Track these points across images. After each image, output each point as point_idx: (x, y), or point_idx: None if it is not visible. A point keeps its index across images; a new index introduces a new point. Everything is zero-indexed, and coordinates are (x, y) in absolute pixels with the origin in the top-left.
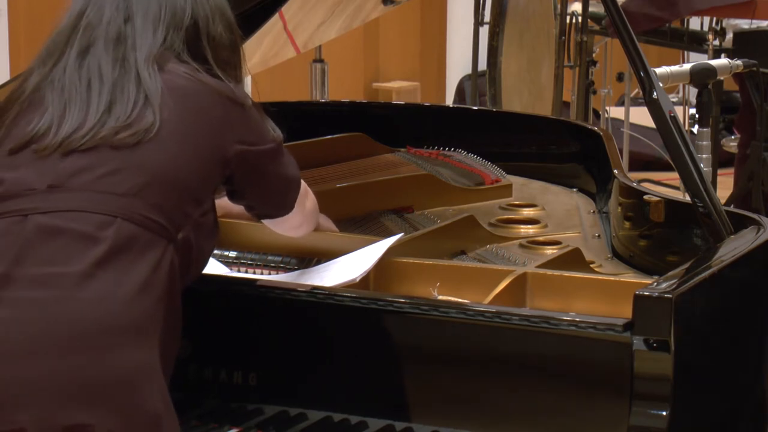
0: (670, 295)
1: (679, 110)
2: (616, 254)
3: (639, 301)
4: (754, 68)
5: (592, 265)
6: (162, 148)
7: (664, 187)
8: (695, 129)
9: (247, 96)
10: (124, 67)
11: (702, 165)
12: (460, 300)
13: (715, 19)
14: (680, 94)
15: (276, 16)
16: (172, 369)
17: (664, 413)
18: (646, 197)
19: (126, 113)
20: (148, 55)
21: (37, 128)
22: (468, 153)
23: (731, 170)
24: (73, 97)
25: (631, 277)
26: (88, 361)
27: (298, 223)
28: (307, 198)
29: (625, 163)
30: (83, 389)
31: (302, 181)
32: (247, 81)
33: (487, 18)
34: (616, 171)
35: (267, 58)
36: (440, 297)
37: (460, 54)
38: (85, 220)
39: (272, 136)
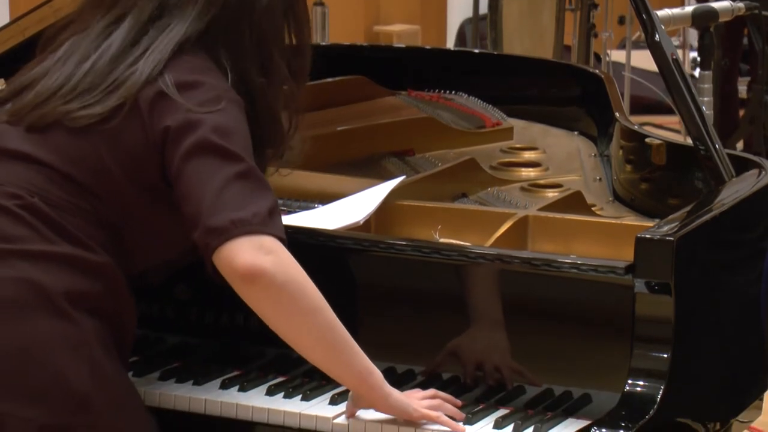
0: (672, 238)
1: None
2: (617, 197)
3: (640, 243)
4: (756, 11)
5: (593, 208)
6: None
7: (665, 130)
8: (697, 72)
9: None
10: (130, 55)
11: (704, 108)
12: (461, 243)
13: None
14: (681, 38)
15: None
16: (130, 346)
17: (666, 356)
18: (647, 140)
19: (89, 100)
20: (171, 43)
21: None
22: (469, 96)
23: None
24: (66, 66)
25: (632, 220)
26: None
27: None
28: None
29: (626, 106)
30: None
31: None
32: None
33: None
34: (617, 114)
35: None
36: (441, 240)
37: None
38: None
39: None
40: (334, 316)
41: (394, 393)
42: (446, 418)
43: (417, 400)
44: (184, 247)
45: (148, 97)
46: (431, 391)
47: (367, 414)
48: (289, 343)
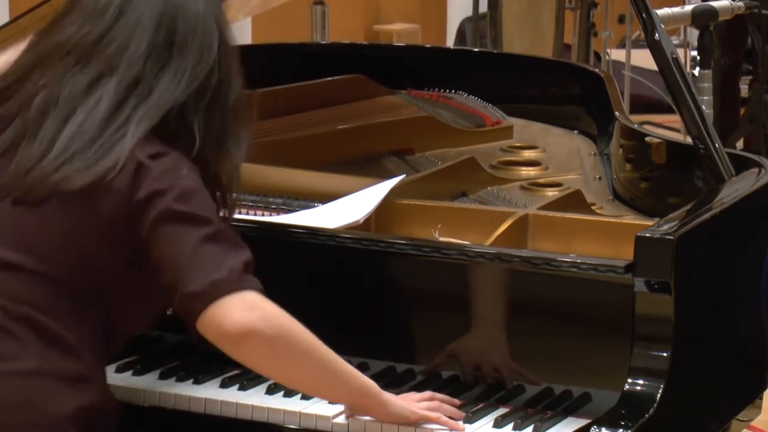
0: (672, 237)
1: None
2: (617, 196)
3: (640, 242)
4: (756, 9)
5: (593, 207)
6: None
7: (665, 129)
8: (696, 71)
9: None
10: (117, 118)
11: (703, 107)
12: (461, 242)
13: None
14: (681, 37)
15: None
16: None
17: (666, 354)
18: (647, 139)
19: (85, 162)
20: (151, 110)
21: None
22: (469, 95)
23: None
24: (46, 125)
25: (632, 219)
26: None
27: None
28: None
29: (626, 105)
30: None
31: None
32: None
33: None
34: (617, 113)
35: None
36: (441, 239)
37: None
38: None
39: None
40: (326, 348)
41: (392, 400)
42: (445, 418)
43: (414, 402)
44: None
45: (130, 168)
46: (428, 393)
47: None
48: (289, 387)
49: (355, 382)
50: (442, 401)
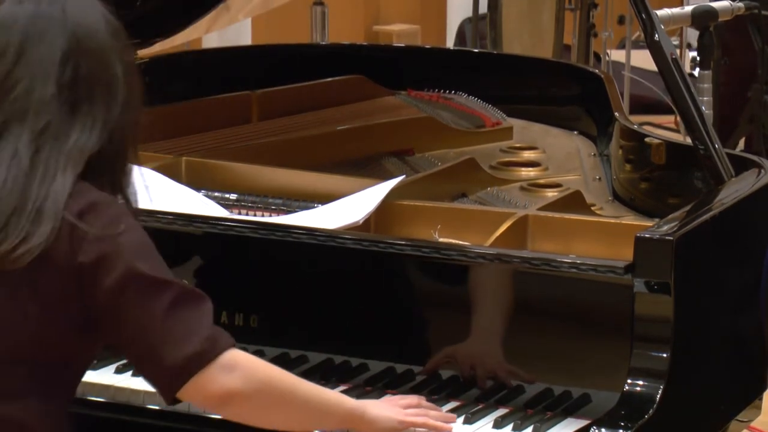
0: (671, 238)
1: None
2: (616, 197)
3: (640, 243)
4: (756, 10)
5: (592, 208)
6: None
7: (664, 130)
8: (696, 72)
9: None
10: (38, 170)
11: (703, 107)
12: (461, 242)
13: None
14: (681, 37)
15: None
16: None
17: (665, 355)
18: (647, 140)
19: (22, 231)
20: (72, 156)
21: None
22: (469, 95)
23: None
24: None
25: (631, 220)
26: None
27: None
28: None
29: (625, 106)
30: None
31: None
32: (247, 23)
33: None
34: (617, 113)
35: None
36: (441, 239)
37: None
38: None
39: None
40: (307, 384)
41: (379, 416)
42: (433, 421)
43: (401, 408)
44: None
45: (65, 232)
46: (415, 398)
47: None
48: (282, 430)
49: (341, 410)
50: (429, 408)
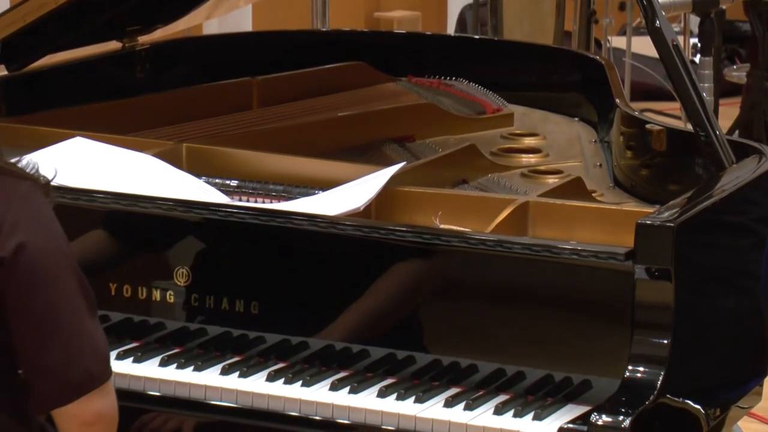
0: (672, 224)
1: (680, 40)
2: (617, 183)
3: (641, 229)
4: None
5: (593, 194)
6: None
7: (665, 116)
8: (697, 58)
9: None
10: None
11: (704, 94)
12: (461, 229)
13: None
14: (682, 24)
15: None
16: None
17: (666, 342)
18: (648, 126)
19: None
20: None
21: None
22: (469, 82)
23: (733, 100)
24: None
25: (632, 206)
26: None
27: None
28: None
29: (626, 93)
30: None
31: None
32: (248, 10)
33: None
34: (618, 100)
35: None
36: (442, 226)
37: None
38: None
39: None
40: None
41: None
42: None
43: None
44: None
45: None
46: None
47: (367, 401)
48: None
49: None
50: None
